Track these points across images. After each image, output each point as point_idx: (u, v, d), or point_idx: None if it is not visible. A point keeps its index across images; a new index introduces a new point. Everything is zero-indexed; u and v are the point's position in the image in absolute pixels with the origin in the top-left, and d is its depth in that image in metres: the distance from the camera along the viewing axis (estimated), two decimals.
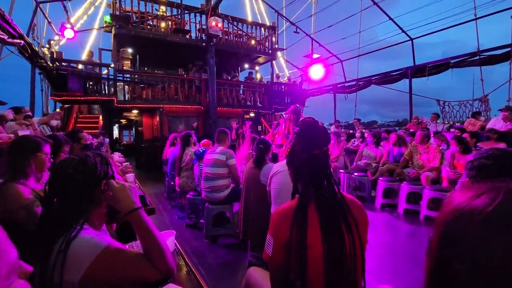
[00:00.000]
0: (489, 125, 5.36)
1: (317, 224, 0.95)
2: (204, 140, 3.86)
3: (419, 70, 7.66)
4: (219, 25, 8.26)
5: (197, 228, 3.66)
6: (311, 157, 0.99)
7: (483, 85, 7.09)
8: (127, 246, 0.90)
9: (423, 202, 3.94)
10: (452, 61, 6.92)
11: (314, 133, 1.01)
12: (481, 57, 6.41)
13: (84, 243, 0.77)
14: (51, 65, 6.62)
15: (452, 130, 5.99)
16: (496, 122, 5.29)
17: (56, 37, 7.52)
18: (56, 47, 7.42)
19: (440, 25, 7.63)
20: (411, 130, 5.96)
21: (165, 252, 0.86)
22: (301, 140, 1.04)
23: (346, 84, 9.75)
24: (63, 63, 6.99)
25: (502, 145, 4.77)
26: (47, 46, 7.03)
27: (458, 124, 7.24)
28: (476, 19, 6.71)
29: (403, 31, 8.26)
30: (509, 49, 5.95)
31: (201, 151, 3.66)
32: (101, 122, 8.72)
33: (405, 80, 8.08)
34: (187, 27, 8.62)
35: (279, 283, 1.05)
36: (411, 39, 8.18)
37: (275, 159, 2.87)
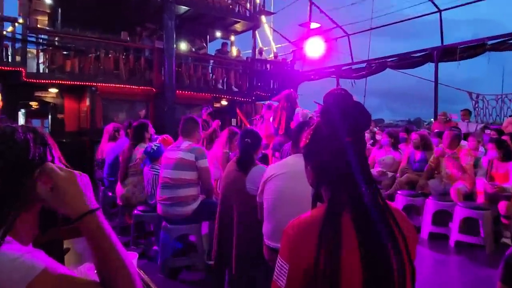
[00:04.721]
0: None
1: (354, 242, 0.92)
2: (164, 135, 3.80)
3: (448, 53, 8.06)
4: None
5: (147, 258, 3.61)
6: (343, 147, 0.97)
7: None
8: (74, 271, 0.82)
9: (454, 224, 4.13)
10: (489, 42, 7.36)
11: (348, 112, 0.98)
12: None
13: (8, 265, 0.67)
14: None
15: (487, 131, 6.35)
16: None
17: None
18: None
19: None
20: (435, 131, 6.24)
21: (133, 278, 0.79)
22: (328, 122, 1.01)
23: (354, 67, 10.03)
24: None
25: None
26: None
27: (493, 123, 7.68)
28: None
29: None
30: None
31: (154, 148, 3.57)
32: None
33: (429, 65, 8.47)
34: None
35: None
36: (439, 11, 8.58)
37: (265, 160, 2.86)
